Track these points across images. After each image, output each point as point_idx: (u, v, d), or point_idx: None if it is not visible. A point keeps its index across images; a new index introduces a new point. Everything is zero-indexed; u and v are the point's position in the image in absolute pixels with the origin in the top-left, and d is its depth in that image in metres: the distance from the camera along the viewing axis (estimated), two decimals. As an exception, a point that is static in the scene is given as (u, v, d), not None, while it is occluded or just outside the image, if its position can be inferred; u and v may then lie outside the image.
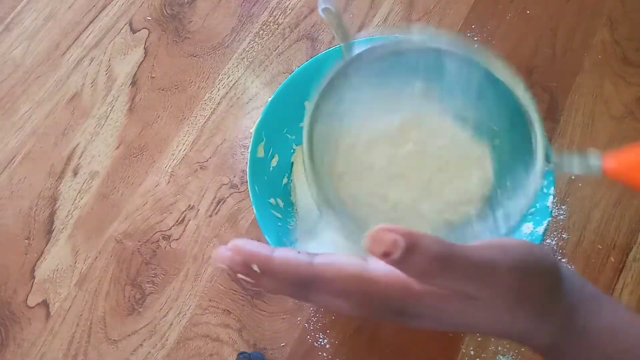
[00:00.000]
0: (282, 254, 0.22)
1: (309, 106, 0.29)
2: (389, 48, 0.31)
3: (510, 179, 0.35)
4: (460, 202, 0.39)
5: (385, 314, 0.23)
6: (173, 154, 0.55)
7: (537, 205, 0.44)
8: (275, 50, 0.58)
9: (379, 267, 0.22)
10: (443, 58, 0.32)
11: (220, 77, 0.58)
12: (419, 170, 0.38)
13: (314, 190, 0.27)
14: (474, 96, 0.34)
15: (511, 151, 0.38)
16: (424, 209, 0.36)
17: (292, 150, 0.51)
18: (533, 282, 0.23)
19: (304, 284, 0.22)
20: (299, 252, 0.23)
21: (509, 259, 0.22)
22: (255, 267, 0.22)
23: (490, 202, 0.43)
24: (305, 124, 0.28)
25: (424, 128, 0.42)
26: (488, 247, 0.23)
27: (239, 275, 0.22)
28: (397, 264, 0.20)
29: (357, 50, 0.31)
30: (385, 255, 0.19)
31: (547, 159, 0.28)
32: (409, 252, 0.19)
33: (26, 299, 0.51)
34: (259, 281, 0.22)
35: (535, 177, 0.28)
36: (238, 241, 0.22)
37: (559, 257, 0.52)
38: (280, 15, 0.60)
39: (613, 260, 0.51)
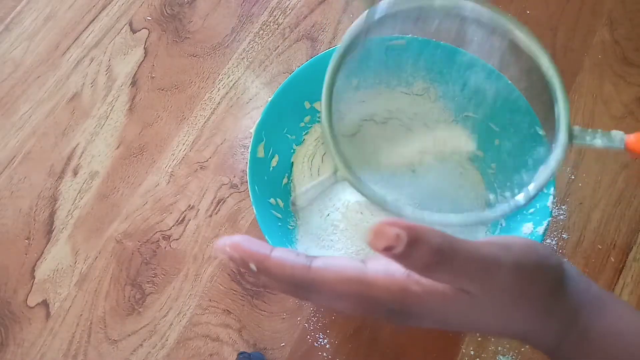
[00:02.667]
0: (280, 255, 0.22)
1: (328, 69, 0.28)
2: (411, 11, 0.30)
3: (524, 151, 0.34)
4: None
5: (384, 314, 0.23)
6: (173, 154, 0.55)
7: (537, 205, 0.44)
8: (275, 50, 0.58)
9: (378, 269, 0.22)
10: (466, 23, 0.31)
11: (220, 77, 0.58)
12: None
13: (334, 152, 0.26)
14: (495, 65, 0.33)
15: (529, 123, 0.37)
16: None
17: (292, 150, 0.51)
18: (536, 280, 0.23)
19: (300, 287, 0.22)
20: (297, 254, 0.23)
21: (512, 256, 0.22)
22: (252, 266, 0.22)
23: (501, 175, 0.42)
24: (324, 89, 0.27)
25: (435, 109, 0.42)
26: (491, 244, 0.23)
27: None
28: (399, 258, 0.20)
29: (378, 12, 0.30)
30: (387, 250, 0.19)
31: (570, 137, 0.27)
32: (411, 246, 0.19)
33: (26, 299, 0.51)
34: (256, 278, 0.23)
35: (558, 148, 0.27)
36: (237, 238, 0.22)
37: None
38: (280, 15, 0.60)
39: (613, 260, 0.51)
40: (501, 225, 0.47)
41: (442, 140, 0.45)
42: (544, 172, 0.27)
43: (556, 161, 0.27)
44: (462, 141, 0.46)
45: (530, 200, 0.27)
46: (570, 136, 0.27)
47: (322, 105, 0.27)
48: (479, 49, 0.32)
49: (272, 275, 0.22)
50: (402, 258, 0.20)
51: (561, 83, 0.28)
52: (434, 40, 0.43)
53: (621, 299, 0.50)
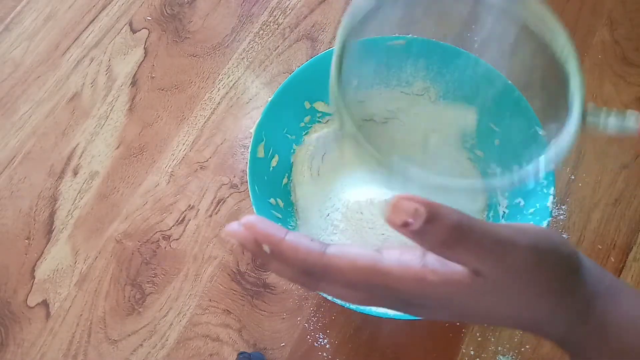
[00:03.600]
0: (294, 239, 0.22)
1: (338, 36, 0.27)
2: None
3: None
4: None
5: (395, 304, 0.23)
6: (173, 154, 0.55)
7: (537, 205, 0.44)
8: (275, 50, 0.58)
9: (392, 259, 0.22)
10: (476, 5, 0.30)
11: (220, 77, 0.58)
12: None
13: (343, 116, 0.25)
14: (507, 48, 0.33)
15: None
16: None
17: (292, 150, 0.51)
18: (550, 266, 0.23)
19: (312, 273, 0.22)
20: (312, 240, 0.22)
21: (527, 239, 0.22)
22: (266, 248, 0.22)
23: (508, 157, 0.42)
24: (335, 48, 0.26)
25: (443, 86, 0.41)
26: (507, 226, 0.22)
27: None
28: (416, 234, 0.19)
29: None
30: (405, 226, 0.19)
31: (584, 114, 0.26)
32: (429, 222, 0.19)
33: (26, 299, 0.51)
34: (268, 263, 0.22)
35: (572, 123, 0.25)
36: (251, 217, 0.22)
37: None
38: (280, 15, 0.60)
39: (613, 260, 0.51)
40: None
41: (444, 118, 0.45)
42: (555, 146, 0.25)
43: (570, 134, 0.25)
44: (464, 117, 0.46)
45: (540, 172, 0.25)
46: (584, 113, 0.25)
47: (332, 62, 0.25)
48: (489, 32, 0.32)
49: (285, 259, 0.22)
50: (419, 234, 0.20)
51: (576, 57, 0.27)
52: (434, 39, 0.43)
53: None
